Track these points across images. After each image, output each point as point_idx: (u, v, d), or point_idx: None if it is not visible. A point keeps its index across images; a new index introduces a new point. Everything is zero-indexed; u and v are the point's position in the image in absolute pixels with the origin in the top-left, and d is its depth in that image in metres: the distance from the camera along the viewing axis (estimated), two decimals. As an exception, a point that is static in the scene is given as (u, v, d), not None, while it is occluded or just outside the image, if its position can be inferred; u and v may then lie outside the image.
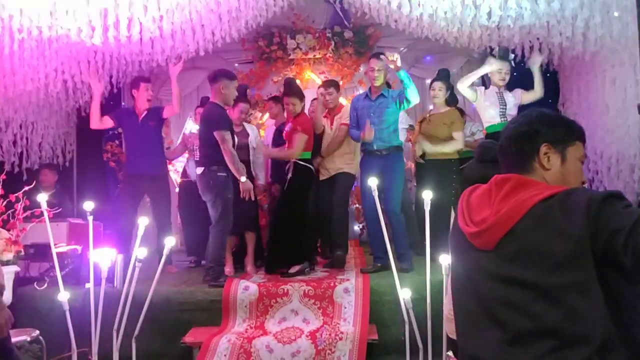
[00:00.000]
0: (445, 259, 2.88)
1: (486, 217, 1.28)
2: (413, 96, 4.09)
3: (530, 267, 1.18)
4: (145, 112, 4.60)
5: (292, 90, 4.33)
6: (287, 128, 4.36)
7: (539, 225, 1.18)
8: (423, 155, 4.74)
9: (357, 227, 5.87)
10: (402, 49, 6.43)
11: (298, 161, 4.22)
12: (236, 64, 6.54)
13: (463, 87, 4.45)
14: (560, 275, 1.15)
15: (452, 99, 4.95)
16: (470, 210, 1.35)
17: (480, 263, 1.28)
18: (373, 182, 3.33)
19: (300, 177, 4.24)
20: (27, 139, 5.31)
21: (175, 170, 5.70)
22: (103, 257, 3.14)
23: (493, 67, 4.43)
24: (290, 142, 4.26)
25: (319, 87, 4.81)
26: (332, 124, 4.65)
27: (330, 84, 4.66)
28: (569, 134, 1.33)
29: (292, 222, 4.13)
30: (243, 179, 4.00)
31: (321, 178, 4.59)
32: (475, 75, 4.49)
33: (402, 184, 4.35)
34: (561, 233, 1.15)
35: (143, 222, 3.31)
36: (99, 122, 4.57)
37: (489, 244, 1.25)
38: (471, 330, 1.30)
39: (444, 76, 4.71)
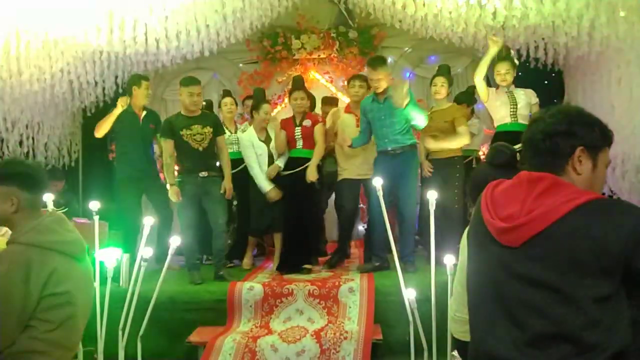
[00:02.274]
0: (450, 259, 2.88)
1: (514, 213, 1.25)
2: (421, 123, 4.08)
3: (557, 271, 1.17)
4: (144, 112, 4.60)
5: (301, 85, 4.40)
6: (305, 124, 4.35)
7: (574, 232, 1.16)
8: (427, 154, 4.72)
9: (361, 227, 5.87)
10: (406, 49, 6.44)
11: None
12: (241, 64, 6.56)
13: (479, 79, 4.35)
14: (588, 284, 1.14)
15: (466, 98, 4.91)
16: (496, 205, 1.31)
17: (503, 259, 1.26)
18: (378, 181, 3.32)
19: (321, 175, 4.31)
20: (33, 138, 5.36)
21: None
22: (109, 256, 3.15)
23: (499, 44, 4.29)
24: (311, 138, 4.31)
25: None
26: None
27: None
28: (603, 139, 1.30)
29: (316, 219, 4.23)
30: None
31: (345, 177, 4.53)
32: (485, 63, 4.34)
33: (416, 183, 4.32)
34: (598, 246, 1.14)
35: (149, 221, 3.32)
36: (104, 132, 4.56)
37: (516, 241, 1.23)
38: (487, 327, 1.29)
39: (445, 71, 4.61)
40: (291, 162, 4.37)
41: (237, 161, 4.57)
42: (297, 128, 4.36)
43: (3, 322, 1.77)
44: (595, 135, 1.28)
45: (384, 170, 3.94)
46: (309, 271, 4.18)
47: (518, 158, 2.20)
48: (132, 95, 4.56)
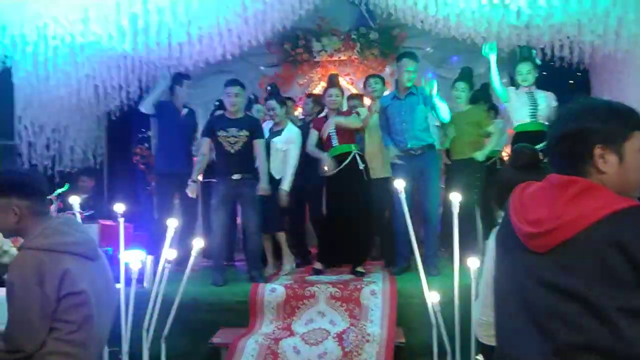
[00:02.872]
0: (473, 262, 2.84)
1: (542, 217, 1.19)
2: (445, 115, 4.07)
3: (586, 280, 1.12)
4: (185, 110, 4.64)
5: (336, 82, 4.38)
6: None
7: (605, 240, 1.11)
8: (448, 154, 4.72)
9: None
10: (428, 49, 6.39)
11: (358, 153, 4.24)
12: (262, 67, 6.59)
13: (496, 85, 4.29)
14: (619, 296, 1.09)
15: (482, 95, 4.87)
16: (524, 208, 1.26)
17: (530, 265, 1.21)
18: (400, 184, 3.29)
19: (367, 169, 4.25)
20: (59, 142, 5.46)
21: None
22: (133, 257, 3.19)
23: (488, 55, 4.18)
24: (345, 133, 4.23)
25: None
26: None
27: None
28: (624, 126, 1.18)
29: (369, 217, 4.17)
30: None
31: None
32: (494, 72, 4.25)
33: (439, 183, 4.29)
34: (632, 258, 1.09)
35: (172, 223, 3.36)
36: (151, 108, 4.57)
37: (544, 247, 1.18)
38: (512, 334, 1.25)
39: (466, 75, 4.61)
40: (334, 162, 4.21)
41: None
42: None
43: (27, 326, 1.81)
44: (611, 127, 1.18)
45: (404, 172, 3.90)
46: (362, 274, 4.10)
47: (541, 157, 2.18)
48: (173, 94, 4.62)
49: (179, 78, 4.66)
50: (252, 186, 4.03)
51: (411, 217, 3.34)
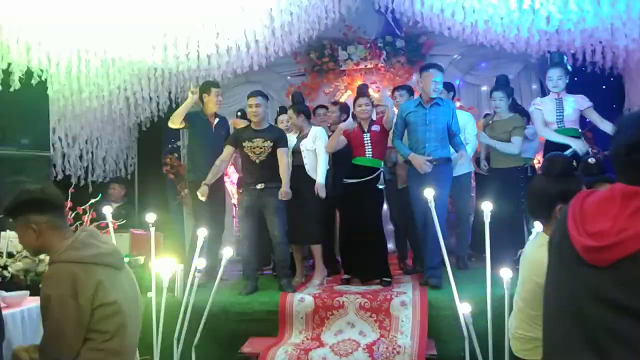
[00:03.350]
0: (507, 273, 2.79)
1: (604, 230, 1.14)
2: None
3: None
4: (217, 119, 4.62)
5: (365, 92, 4.40)
6: (374, 129, 4.27)
7: None
8: (484, 161, 4.69)
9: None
10: (455, 56, 6.34)
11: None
12: (289, 77, 6.63)
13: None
14: None
15: (513, 105, 4.82)
16: (585, 219, 1.21)
17: (588, 280, 1.16)
18: (430, 193, 3.25)
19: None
20: (92, 153, 5.59)
21: (231, 181, 5.80)
22: (164, 266, 3.23)
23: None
24: (379, 145, 4.25)
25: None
26: None
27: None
28: None
29: (381, 230, 4.30)
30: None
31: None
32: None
33: (447, 195, 4.21)
34: None
35: (202, 233, 3.39)
36: (179, 123, 4.51)
37: (604, 261, 1.12)
38: (563, 351, 1.20)
39: (503, 84, 4.58)
40: (357, 171, 4.22)
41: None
42: (365, 134, 4.24)
43: (62, 338, 1.85)
44: None
45: (420, 181, 3.89)
46: (389, 283, 4.13)
47: (574, 165, 2.13)
48: (203, 103, 4.61)
49: (207, 86, 4.65)
50: (277, 195, 4.06)
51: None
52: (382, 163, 4.28)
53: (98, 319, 1.89)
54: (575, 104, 4.20)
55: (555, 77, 4.23)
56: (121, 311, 1.96)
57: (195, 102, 4.51)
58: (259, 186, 4.09)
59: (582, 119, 4.38)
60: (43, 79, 4.29)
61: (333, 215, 4.88)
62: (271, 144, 4.11)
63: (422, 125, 4.06)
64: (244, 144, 4.13)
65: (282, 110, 4.93)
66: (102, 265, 1.95)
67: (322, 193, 4.20)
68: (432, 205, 3.27)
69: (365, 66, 6.41)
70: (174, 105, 5.47)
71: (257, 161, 4.11)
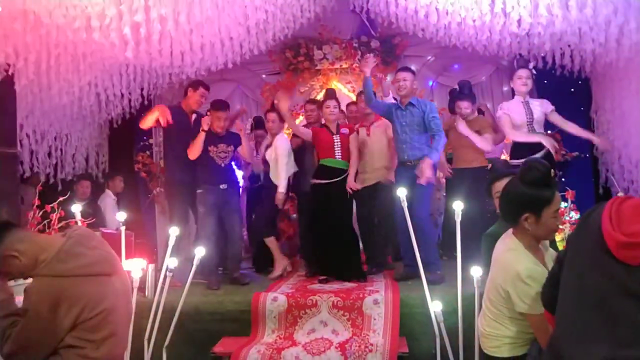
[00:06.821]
0: (477, 272, 2.83)
1: (639, 231, 1.21)
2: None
3: None
4: (195, 116, 4.59)
5: (334, 95, 4.54)
6: (343, 131, 4.40)
7: None
8: (450, 161, 4.74)
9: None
10: (429, 57, 6.41)
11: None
12: (263, 75, 6.61)
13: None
14: None
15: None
16: (621, 219, 1.28)
17: (616, 275, 1.23)
18: (402, 192, 3.32)
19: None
20: (61, 150, 5.47)
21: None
22: (135, 266, 3.18)
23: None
24: (348, 147, 4.38)
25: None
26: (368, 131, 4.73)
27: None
28: None
29: (352, 230, 4.48)
30: None
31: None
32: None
33: (430, 193, 4.28)
34: None
35: (174, 232, 3.36)
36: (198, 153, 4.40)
37: (636, 259, 1.20)
38: (578, 340, 1.26)
39: (468, 92, 4.76)
40: (326, 171, 4.33)
41: None
42: (335, 136, 4.37)
43: (26, 350, 1.84)
44: None
45: (402, 181, 4.01)
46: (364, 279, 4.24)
47: (553, 174, 2.14)
48: (185, 96, 4.61)
49: (197, 84, 4.59)
50: (236, 195, 4.55)
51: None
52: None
53: (87, 328, 1.86)
54: (541, 107, 4.26)
55: (525, 76, 4.28)
56: (111, 321, 1.92)
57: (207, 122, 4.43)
58: (222, 186, 4.38)
59: (546, 123, 4.46)
60: (10, 73, 4.17)
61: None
62: (233, 148, 4.47)
63: (400, 126, 4.16)
64: (209, 149, 4.36)
65: (258, 125, 5.43)
66: (90, 276, 1.89)
67: (280, 204, 4.56)
68: (405, 204, 3.33)
69: (341, 66, 6.45)
70: (146, 102, 5.39)
71: (223, 164, 4.41)
